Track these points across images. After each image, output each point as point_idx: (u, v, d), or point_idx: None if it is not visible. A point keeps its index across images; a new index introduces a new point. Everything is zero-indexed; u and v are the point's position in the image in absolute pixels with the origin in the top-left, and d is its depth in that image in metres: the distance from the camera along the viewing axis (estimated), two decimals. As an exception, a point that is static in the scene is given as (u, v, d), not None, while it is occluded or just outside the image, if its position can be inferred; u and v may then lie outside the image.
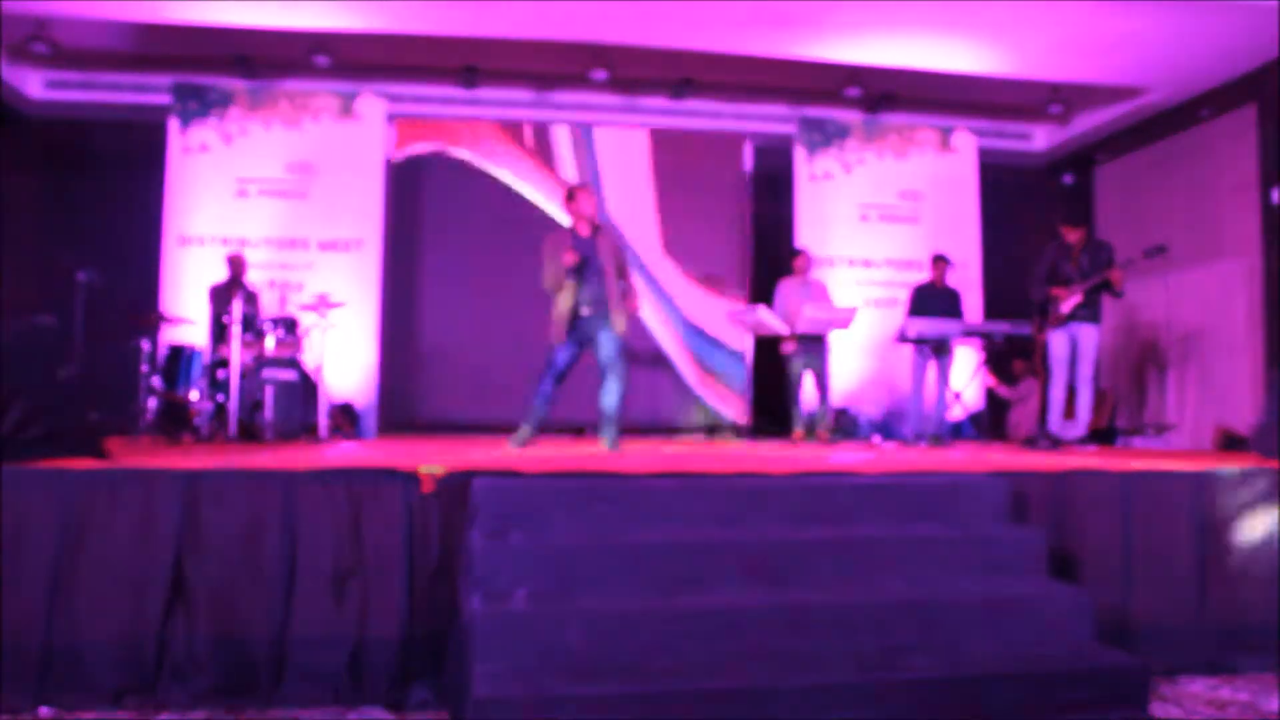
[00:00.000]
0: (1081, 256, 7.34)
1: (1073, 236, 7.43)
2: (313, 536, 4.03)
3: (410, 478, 4.12)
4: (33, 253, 9.55)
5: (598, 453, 6.15)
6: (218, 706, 3.77)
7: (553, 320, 6.34)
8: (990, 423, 9.65)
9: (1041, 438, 7.36)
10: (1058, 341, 7.38)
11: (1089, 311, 7.31)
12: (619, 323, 6.34)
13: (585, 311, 6.30)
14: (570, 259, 6.19)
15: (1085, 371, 7.34)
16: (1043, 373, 7.52)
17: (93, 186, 9.74)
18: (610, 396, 6.38)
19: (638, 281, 6.60)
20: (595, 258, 6.32)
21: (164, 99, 9.48)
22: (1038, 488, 4.59)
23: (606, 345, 6.33)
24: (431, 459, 4.65)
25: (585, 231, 6.39)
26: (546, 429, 9.74)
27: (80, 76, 9.73)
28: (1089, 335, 7.32)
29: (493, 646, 3.37)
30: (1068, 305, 7.24)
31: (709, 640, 3.53)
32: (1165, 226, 9.89)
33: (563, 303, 6.30)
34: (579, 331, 6.34)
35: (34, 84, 9.74)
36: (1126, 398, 10.44)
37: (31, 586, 3.82)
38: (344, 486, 4.09)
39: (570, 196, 6.47)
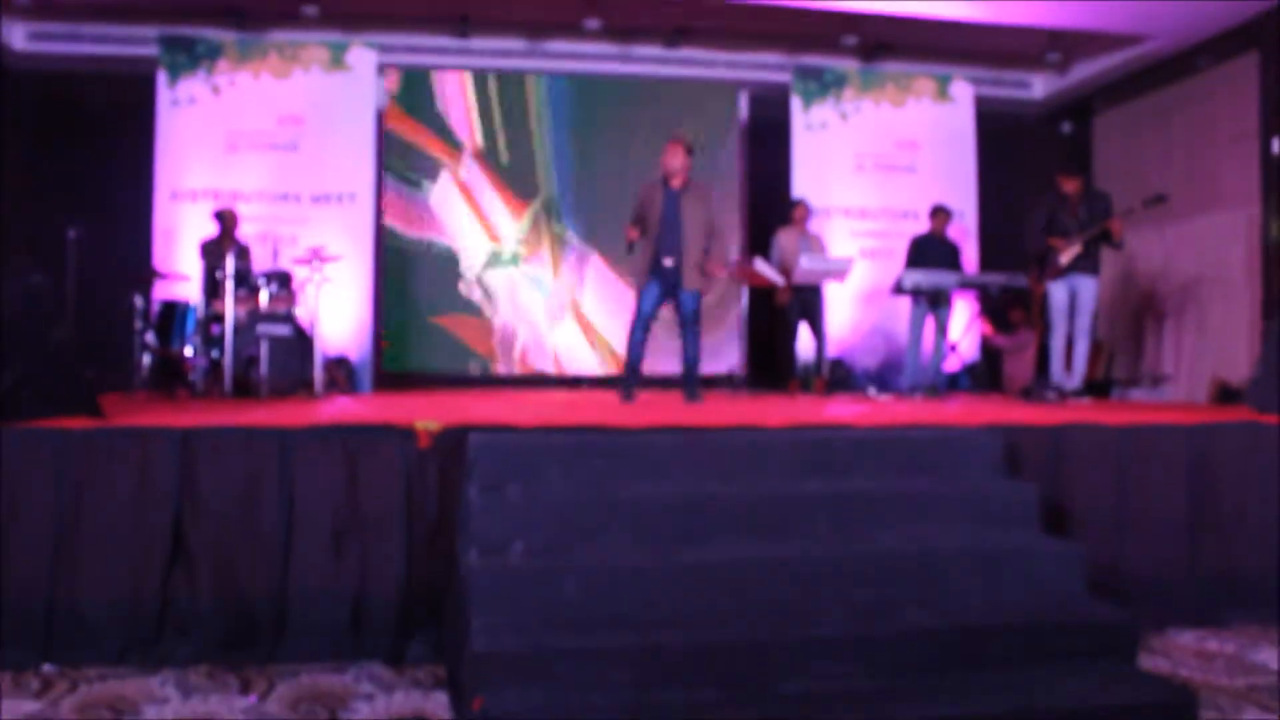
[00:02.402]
0: (1080, 207, 7.32)
1: (1070, 187, 7.40)
2: (311, 493, 4.05)
3: (407, 434, 4.14)
4: (22, 209, 9.45)
5: (594, 406, 6.17)
6: (219, 662, 3.81)
7: (637, 266, 6.60)
8: (986, 374, 9.66)
9: (1047, 389, 7.38)
10: (1057, 292, 7.37)
11: (1088, 263, 7.29)
12: (692, 280, 6.52)
13: (668, 262, 6.49)
14: (632, 235, 6.51)
15: (1083, 323, 7.35)
16: (1040, 324, 7.53)
17: (81, 141, 9.62)
18: (690, 351, 6.65)
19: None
20: (679, 212, 6.49)
21: (152, 50, 9.32)
22: (1032, 441, 4.61)
23: (686, 302, 6.56)
24: (427, 414, 4.66)
25: (677, 184, 6.55)
26: (544, 383, 9.87)
27: (65, 28, 9.54)
28: (1088, 287, 7.32)
29: (489, 600, 3.39)
30: (1067, 256, 7.23)
31: (706, 594, 3.56)
32: (1164, 176, 9.83)
33: (645, 251, 6.52)
34: (663, 280, 6.51)
35: (18, 36, 9.56)
36: (1123, 349, 10.44)
37: (33, 545, 3.85)
38: (341, 443, 4.11)
39: (663, 151, 6.62)
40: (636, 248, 6.59)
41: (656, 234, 6.48)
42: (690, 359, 6.68)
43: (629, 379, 6.67)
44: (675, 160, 6.54)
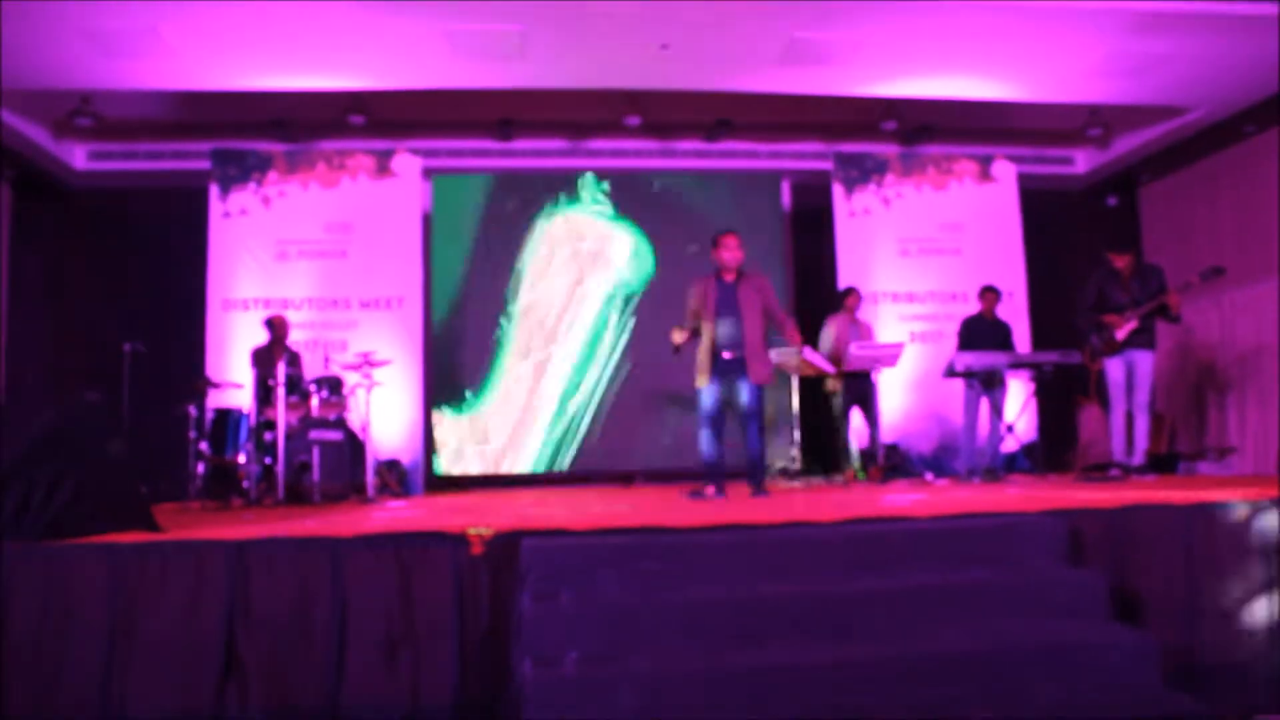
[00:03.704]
0: (1132, 282, 7.22)
1: (1121, 262, 7.32)
2: (363, 603, 4.00)
3: (459, 540, 4.08)
4: (80, 323, 9.69)
5: (648, 505, 6.10)
6: (272, 779, 3.75)
7: (697, 363, 6.47)
8: (1044, 454, 9.46)
9: (1111, 466, 7.23)
10: (1114, 369, 7.26)
11: (1145, 338, 7.18)
12: (757, 373, 6.40)
13: (726, 355, 6.41)
14: (677, 340, 6.47)
15: (1141, 398, 7.21)
16: (1095, 400, 7.38)
17: (137, 255, 9.85)
18: (752, 444, 6.48)
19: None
20: (736, 303, 6.43)
21: (204, 165, 9.61)
22: (1096, 525, 4.45)
23: (744, 394, 6.44)
24: (479, 517, 4.61)
25: (730, 277, 6.50)
26: (595, 478, 9.83)
27: (122, 147, 9.93)
28: (1145, 362, 7.19)
29: (545, 712, 3.31)
30: (1123, 332, 7.13)
31: (765, 699, 3.45)
32: (1215, 245, 9.71)
33: (704, 347, 6.43)
34: (724, 374, 6.43)
35: (78, 156, 9.96)
36: (1185, 422, 10.21)
37: (86, 660, 3.82)
38: (393, 552, 4.06)
39: (715, 243, 6.57)
40: (683, 350, 6.54)
41: (714, 329, 6.39)
42: (754, 452, 6.51)
43: (712, 478, 6.52)
44: (738, 253, 6.48)
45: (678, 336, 6.48)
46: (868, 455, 8.66)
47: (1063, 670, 3.63)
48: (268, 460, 7.32)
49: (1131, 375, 7.24)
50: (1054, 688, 3.57)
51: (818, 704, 3.45)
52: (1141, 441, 7.25)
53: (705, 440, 6.52)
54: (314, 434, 7.30)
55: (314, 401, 7.52)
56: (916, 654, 3.64)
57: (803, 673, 3.53)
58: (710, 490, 6.48)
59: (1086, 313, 7.40)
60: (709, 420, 6.48)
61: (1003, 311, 9.06)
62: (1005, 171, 10.51)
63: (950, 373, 8.16)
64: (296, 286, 9.45)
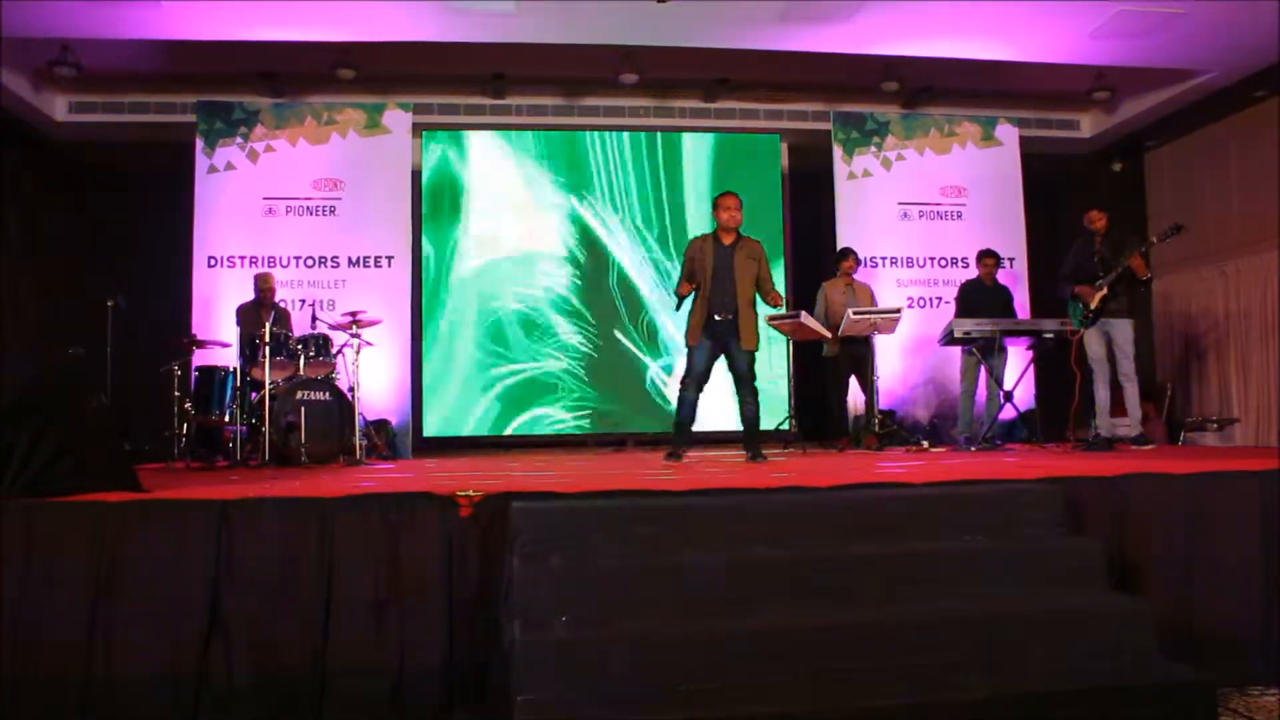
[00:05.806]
0: (1104, 248, 7.12)
1: (1100, 223, 7.21)
2: (350, 564, 3.94)
3: (448, 502, 4.02)
4: (61, 278, 9.54)
5: (639, 469, 6.04)
6: (258, 738, 3.69)
7: (689, 323, 6.50)
8: (1043, 422, 9.38)
9: (1093, 438, 7.16)
10: (1092, 340, 7.17)
11: (1119, 305, 7.07)
12: (747, 339, 6.42)
13: (719, 317, 6.40)
14: (683, 290, 6.49)
15: (1126, 367, 7.12)
16: (1079, 372, 7.29)
17: (120, 210, 9.71)
18: (748, 409, 6.51)
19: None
20: (731, 267, 6.43)
21: (189, 118, 9.43)
22: (1094, 493, 4.41)
23: (738, 358, 6.46)
24: (468, 479, 4.54)
25: (728, 239, 6.50)
26: (588, 444, 9.75)
27: (105, 98, 9.71)
28: (1123, 331, 7.09)
29: (534, 676, 3.27)
30: (1094, 302, 7.04)
31: (758, 664, 3.42)
32: (1222, 212, 9.61)
33: (697, 307, 6.44)
34: (716, 336, 6.43)
35: (58, 108, 9.73)
36: (1187, 392, 10.13)
37: (69, 620, 3.75)
38: (380, 513, 4.00)
39: (715, 204, 6.60)
40: (685, 304, 6.55)
41: (709, 290, 6.40)
42: (750, 418, 6.53)
43: (678, 438, 6.55)
44: (738, 215, 6.49)
45: (683, 289, 6.50)
46: (863, 422, 8.58)
47: (1059, 637, 3.64)
48: (253, 420, 7.22)
49: (1111, 346, 7.15)
50: (1050, 654, 3.57)
51: (811, 669, 3.43)
52: (1134, 411, 7.17)
53: (686, 399, 6.53)
54: (301, 394, 7.18)
55: (301, 361, 7.41)
56: (911, 620, 3.64)
57: (797, 637, 3.51)
58: (676, 451, 6.52)
59: (1064, 282, 7.31)
60: (696, 380, 6.50)
61: (1003, 277, 8.97)
62: (1009, 134, 10.38)
63: (948, 339, 8.08)
64: (284, 244, 9.30)
